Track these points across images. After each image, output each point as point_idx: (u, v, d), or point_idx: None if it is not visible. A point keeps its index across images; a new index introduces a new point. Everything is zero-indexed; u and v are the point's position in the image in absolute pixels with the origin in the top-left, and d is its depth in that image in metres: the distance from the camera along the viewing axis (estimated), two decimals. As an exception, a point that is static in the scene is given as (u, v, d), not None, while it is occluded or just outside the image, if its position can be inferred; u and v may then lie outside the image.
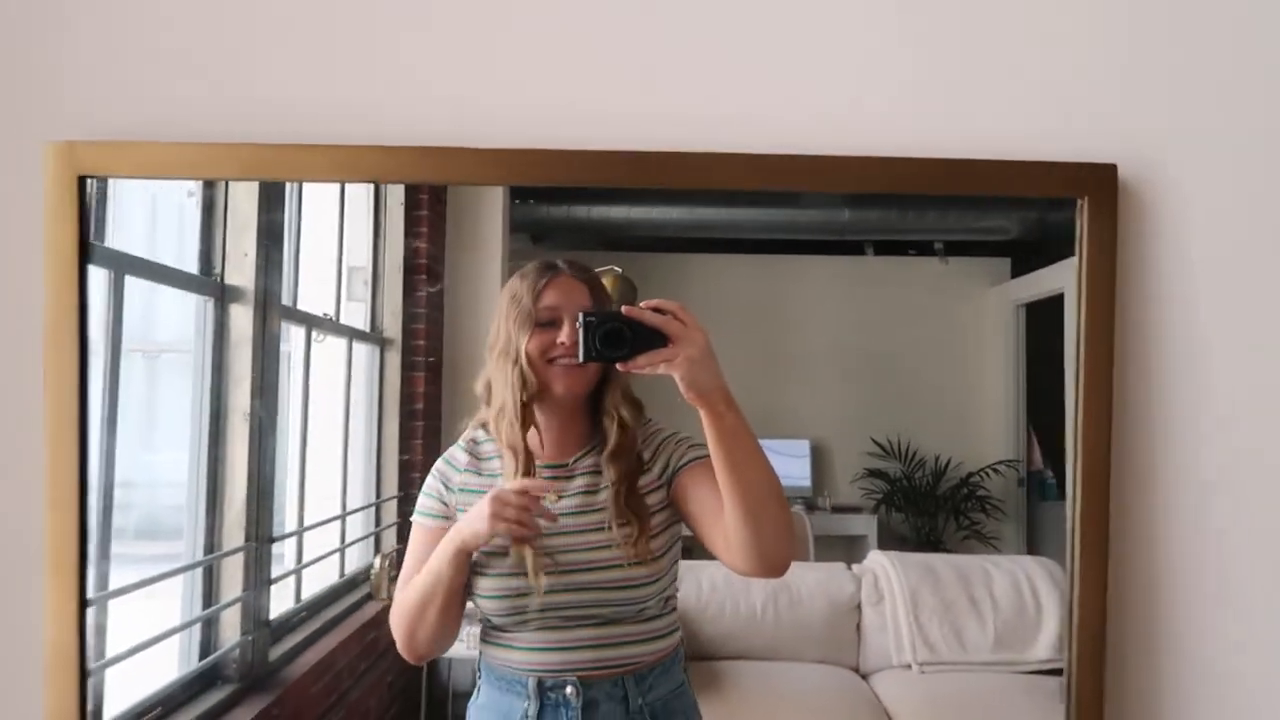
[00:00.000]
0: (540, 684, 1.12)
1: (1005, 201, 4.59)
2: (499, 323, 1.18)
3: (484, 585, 1.12)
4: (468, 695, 1.27)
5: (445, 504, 1.18)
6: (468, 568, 1.14)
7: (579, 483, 1.17)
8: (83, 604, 0.65)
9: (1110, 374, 1.07)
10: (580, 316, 1.02)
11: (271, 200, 1.92)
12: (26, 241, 0.96)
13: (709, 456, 1.01)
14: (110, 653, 1.58)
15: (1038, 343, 3.85)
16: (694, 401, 0.99)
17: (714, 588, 2.68)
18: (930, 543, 4.80)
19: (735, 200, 4.69)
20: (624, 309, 0.99)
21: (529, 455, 1.14)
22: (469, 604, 1.18)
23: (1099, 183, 1.17)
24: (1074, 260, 1.16)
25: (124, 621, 1.65)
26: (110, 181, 1.56)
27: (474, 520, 1.10)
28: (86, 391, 0.69)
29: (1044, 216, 3.95)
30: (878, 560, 2.68)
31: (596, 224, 4.21)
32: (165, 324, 2.20)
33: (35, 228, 0.94)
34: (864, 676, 2.56)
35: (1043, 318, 3.39)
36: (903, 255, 5.38)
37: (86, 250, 0.74)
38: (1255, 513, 1.10)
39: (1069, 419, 1.10)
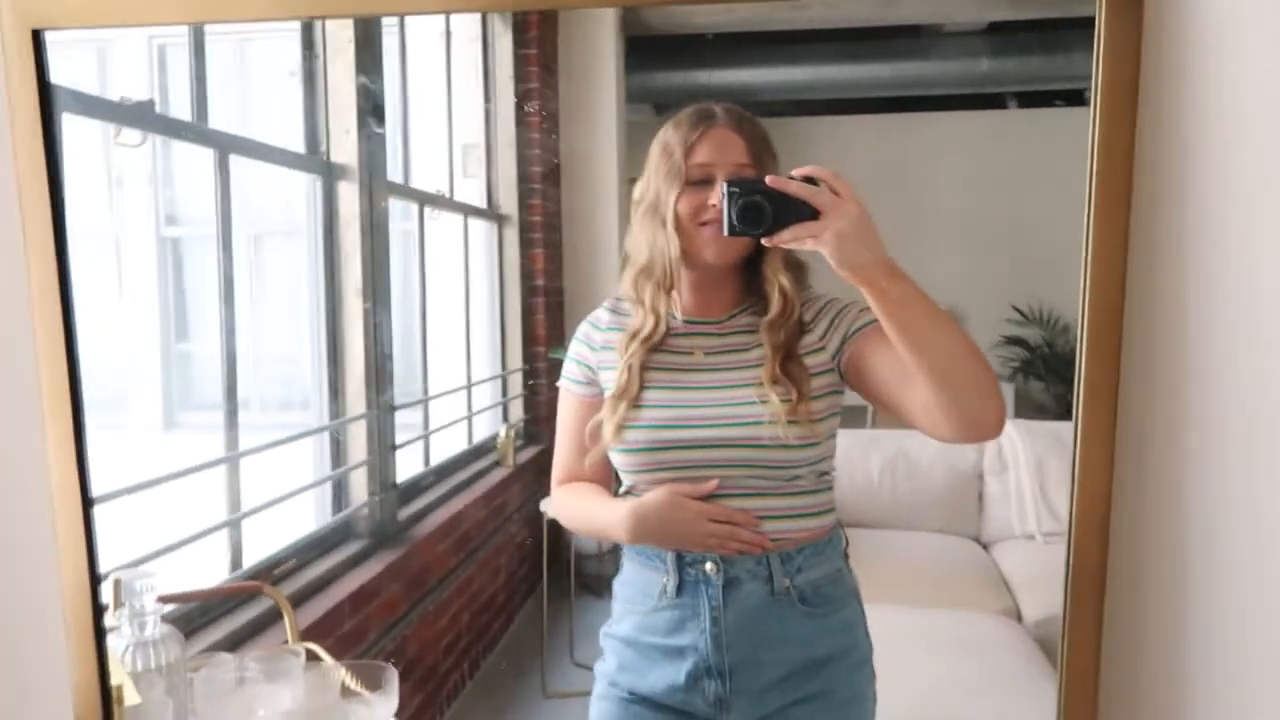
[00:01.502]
0: (679, 558, 1.03)
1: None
2: (648, 175, 1.08)
3: (630, 437, 1.07)
4: (590, 556, 1.22)
5: (589, 367, 1.13)
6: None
7: (732, 340, 1.10)
8: (87, 503, 0.57)
9: (1128, 194, 0.88)
10: (723, 186, 0.95)
11: (371, 75, 1.94)
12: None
13: None
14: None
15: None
16: (850, 279, 0.90)
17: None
18: (1071, 412, 4.57)
19: (861, 55, 4.43)
20: (768, 178, 0.91)
21: (662, 321, 1.08)
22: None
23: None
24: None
25: (261, 485, 1.78)
26: (208, 60, 1.60)
27: (671, 525, 1.03)
28: (65, 247, 0.64)
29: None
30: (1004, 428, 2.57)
31: (718, 89, 4.09)
32: (282, 207, 2.29)
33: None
34: (985, 546, 2.50)
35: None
36: (1049, 106, 4.99)
37: (50, 107, 0.68)
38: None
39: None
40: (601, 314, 1.15)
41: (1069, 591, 0.88)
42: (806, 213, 0.88)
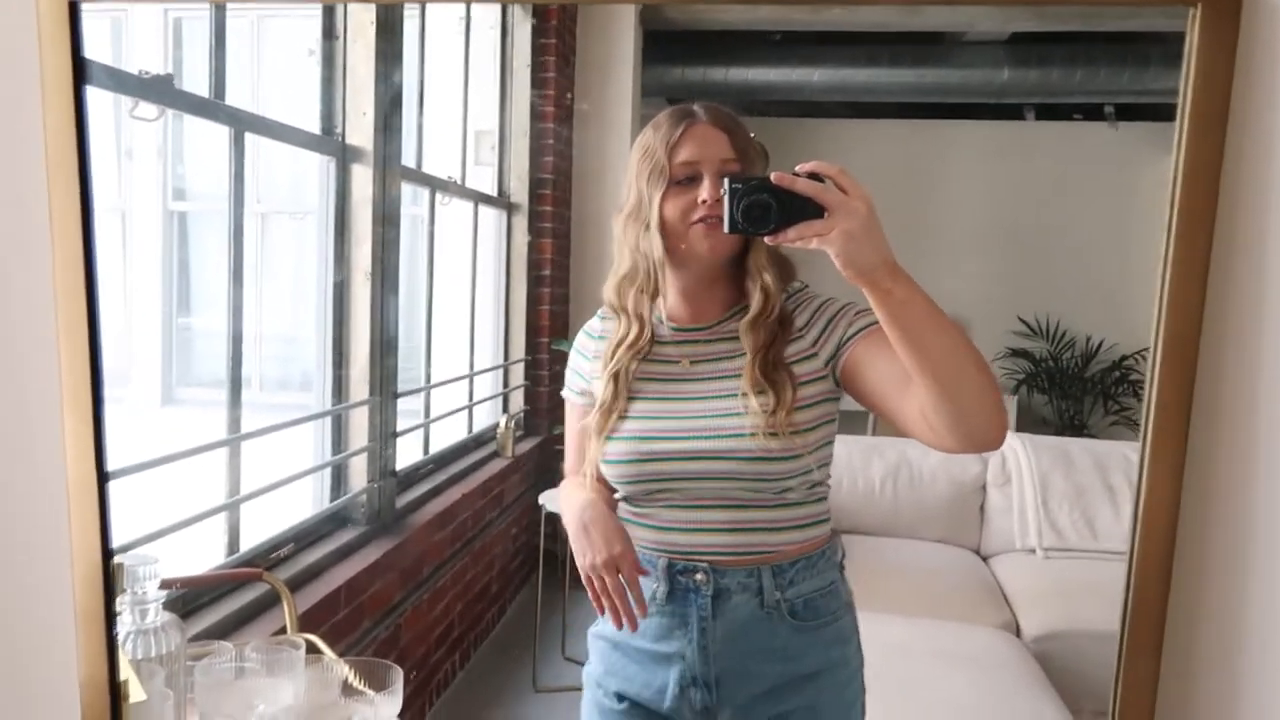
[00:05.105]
0: (670, 566, 1.02)
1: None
2: (630, 181, 1.05)
3: (611, 449, 1.02)
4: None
5: (583, 377, 1.11)
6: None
7: (718, 346, 1.08)
8: (102, 478, 0.54)
9: (1211, 222, 0.85)
10: (725, 183, 0.91)
11: (390, 59, 1.91)
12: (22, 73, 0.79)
13: None
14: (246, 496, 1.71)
15: (1216, 216, 3.50)
16: (854, 280, 0.86)
17: (832, 461, 2.64)
18: (1074, 427, 4.58)
19: (880, 59, 4.39)
20: (773, 175, 0.88)
21: (647, 328, 1.07)
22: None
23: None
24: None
25: (260, 466, 1.76)
26: (229, 36, 1.58)
27: (577, 538, 1.01)
28: (90, 225, 0.62)
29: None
30: (1008, 441, 2.56)
31: (734, 87, 4.05)
32: (291, 187, 2.27)
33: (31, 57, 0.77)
34: (984, 558, 2.49)
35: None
36: (1067, 120, 4.95)
37: (83, 79, 0.66)
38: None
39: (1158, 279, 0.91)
40: (595, 322, 1.11)
41: (1128, 614, 0.85)
42: (812, 211, 0.85)
